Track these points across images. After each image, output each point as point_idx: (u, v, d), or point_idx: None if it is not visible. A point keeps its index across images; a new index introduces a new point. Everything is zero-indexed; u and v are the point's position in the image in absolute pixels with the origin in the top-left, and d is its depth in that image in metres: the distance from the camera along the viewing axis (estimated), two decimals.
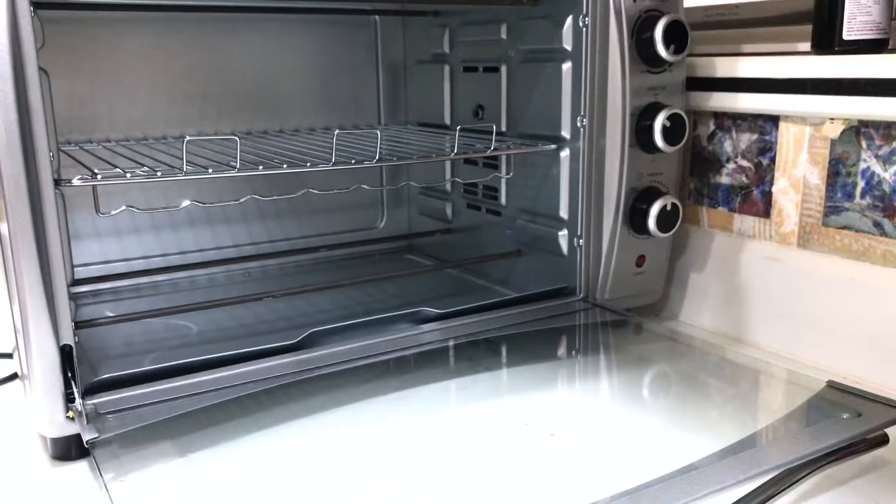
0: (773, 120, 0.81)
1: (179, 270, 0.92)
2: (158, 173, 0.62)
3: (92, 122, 0.87)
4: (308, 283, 0.85)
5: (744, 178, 0.85)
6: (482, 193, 0.99)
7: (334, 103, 1.04)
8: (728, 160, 0.87)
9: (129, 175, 0.61)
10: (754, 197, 0.84)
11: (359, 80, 1.06)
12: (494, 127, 0.82)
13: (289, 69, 0.99)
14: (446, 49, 1.01)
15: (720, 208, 0.88)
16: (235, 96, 0.96)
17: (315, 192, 0.81)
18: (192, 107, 0.93)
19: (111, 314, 0.79)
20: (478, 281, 0.97)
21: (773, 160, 0.82)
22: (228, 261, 0.95)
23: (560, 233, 0.85)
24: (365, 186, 0.93)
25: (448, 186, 1.05)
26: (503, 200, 0.95)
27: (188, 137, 0.63)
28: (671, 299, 0.93)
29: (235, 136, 0.67)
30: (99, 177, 0.60)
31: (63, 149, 0.81)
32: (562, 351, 0.78)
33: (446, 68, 1.01)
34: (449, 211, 1.06)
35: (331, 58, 1.03)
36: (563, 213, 0.84)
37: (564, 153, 0.83)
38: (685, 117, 0.78)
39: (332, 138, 0.71)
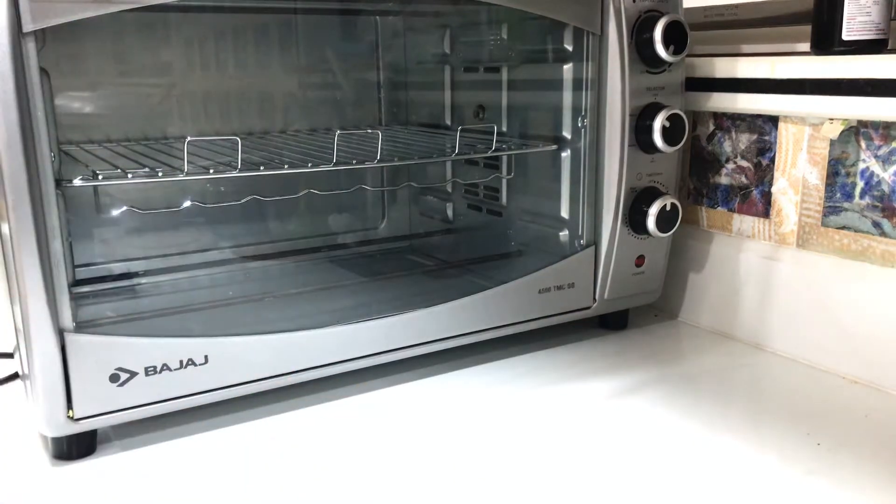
0: (773, 120, 0.81)
1: (180, 271, 0.92)
2: (160, 174, 0.62)
3: (92, 123, 0.87)
4: (309, 284, 0.85)
5: (743, 179, 0.86)
6: (483, 194, 0.99)
7: (335, 104, 1.05)
8: (727, 160, 0.87)
9: (130, 175, 0.61)
10: (753, 197, 0.85)
11: (360, 80, 1.06)
12: (496, 127, 0.82)
13: (290, 70, 0.99)
14: (447, 50, 1.01)
15: (719, 208, 0.88)
16: (236, 97, 0.96)
17: (316, 192, 0.81)
18: (193, 107, 0.93)
19: (112, 314, 0.79)
20: (479, 282, 0.97)
21: (772, 160, 0.82)
22: (229, 261, 0.96)
23: (561, 233, 0.85)
24: (366, 187, 0.93)
25: (449, 187, 1.05)
26: (504, 201, 0.96)
27: (189, 138, 0.63)
28: (670, 299, 0.93)
29: (237, 136, 0.67)
30: (100, 177, 0.60)
31: (64, 149, 0.81)
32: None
33: (447, 69, 1.01)
34: (450, 211, 1.06)
35: (332, 58, 1.03)
36: (564, 213, 0.85)
37: (565, 153, 0.83)
38: (684, 117, 0.78)
39: (333, 139, 0.71)
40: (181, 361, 0.61)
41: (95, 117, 0.87)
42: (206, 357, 0.61)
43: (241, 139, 0.68)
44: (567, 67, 0.81)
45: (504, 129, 0.92)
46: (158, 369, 0.60)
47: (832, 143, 0.76)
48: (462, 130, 0.81)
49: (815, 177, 0.78)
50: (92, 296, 0.84)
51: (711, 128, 0.88)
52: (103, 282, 0.87)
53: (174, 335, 0.60)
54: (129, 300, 0.84)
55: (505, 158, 0.92)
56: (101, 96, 0.87)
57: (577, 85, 0.80)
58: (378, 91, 1.07)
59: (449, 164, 1.04)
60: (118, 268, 0.89)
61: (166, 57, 0.90)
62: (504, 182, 0.94)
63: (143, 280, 0.88)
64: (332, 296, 0.88)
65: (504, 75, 0.92)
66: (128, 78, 0.89)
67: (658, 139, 0.78)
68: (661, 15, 0.76)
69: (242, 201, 0.78)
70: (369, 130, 0.85)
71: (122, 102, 0.89)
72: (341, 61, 1.03)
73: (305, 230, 1.03)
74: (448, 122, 1.03)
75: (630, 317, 0.90)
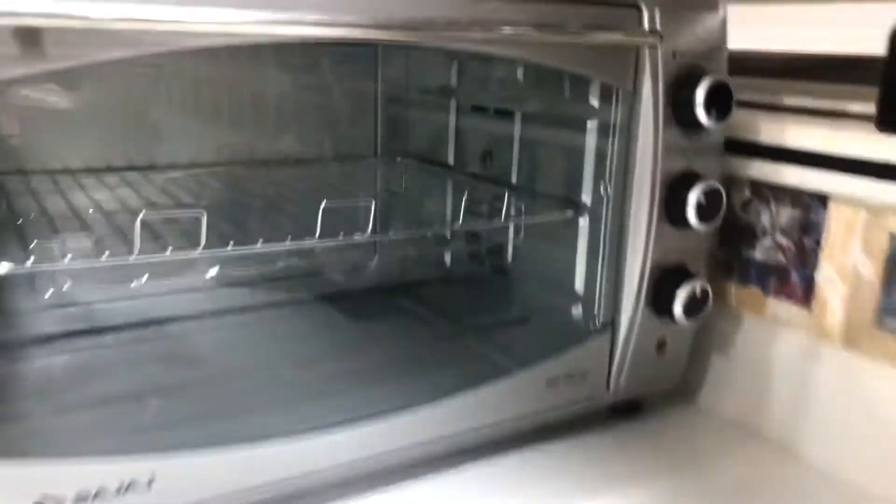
0: (822, 197, 0.71)
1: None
2: (105, 255, 0.52)
3: (34, 150, 0.76)
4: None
5: (781, 258, 0.76)
6: (486, 247, 0.89)
7: (329, 131, 0.95)
8: (764, 234, 0.77)
9: (67, 259, 0.51)
10: (793, 281, 0.75)
11: (356, 107, 0.96)
12: (507, 192, 0.72)
13: (282, 93, 0.90)
14: (454, 83, 0.90)
15: (752, 287, 0.79)
16: (226, 119, 0.87)
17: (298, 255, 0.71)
18: (173, 126, 0.84)
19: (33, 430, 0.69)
20: (479, 347, 0.87)
21: (818, 243, 0.72)
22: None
23: (574, 308, 0.76)
24: (357, 236, 0.83)
25: (448, 234, 0.95)
26: (509, 259, 0.86)
27: (142, 215, 0.53)
28: (689, 382, 0.83)
29: (201, 210, 0.56)
30: (29, 262, 0.49)
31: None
32: None
33: (453, 103, 0.91)
34: (448, 258, 0.96)
35: (327, 83, 0.93)
36: (579, 287, 0.75)
37: (583, 221, 0.73)
38: (723, 193, 0.68)
39: (323, 177, 0.62)
40: (121, 485, 0.51)
41: (40, 144, 0.77)
42: (151, 478, 0.51)
43: (222, 172, 0.58)
44: (591, 126, 0.71)
45: (513, 180, 0.82)
46: (92, 496, 0.50)
47: (894, 234, 0.66)
48: (467, 175, 0.71)
49: (871, 270, 0.68)
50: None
51: (748, 194, 0.78)
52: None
53: (112, 453, 0.50)
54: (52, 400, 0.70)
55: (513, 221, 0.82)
56: (54, 119, 0.77)
57: (602, 146, 0.70)
58: (375, 120, 0.97)
59: (449, 207, 0.94)
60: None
61: (146, 70, 0.80)
62: (510, 240, 0.84)
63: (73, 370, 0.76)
64: (312, 362, 0.78)
65: (517, 121, 0.81)
66: (93, 94, 0.79)
67: (692, 216, 0.68)
68: (704, 73, 0.66)
69: (209, 276, 0.67)
70: (361, 203, 0.74)
71: (78, 126, 0.78)
72: (338, 87, 0.94)
73: (291, 268, 0.93)
74: (451, 161, 0.93)
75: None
